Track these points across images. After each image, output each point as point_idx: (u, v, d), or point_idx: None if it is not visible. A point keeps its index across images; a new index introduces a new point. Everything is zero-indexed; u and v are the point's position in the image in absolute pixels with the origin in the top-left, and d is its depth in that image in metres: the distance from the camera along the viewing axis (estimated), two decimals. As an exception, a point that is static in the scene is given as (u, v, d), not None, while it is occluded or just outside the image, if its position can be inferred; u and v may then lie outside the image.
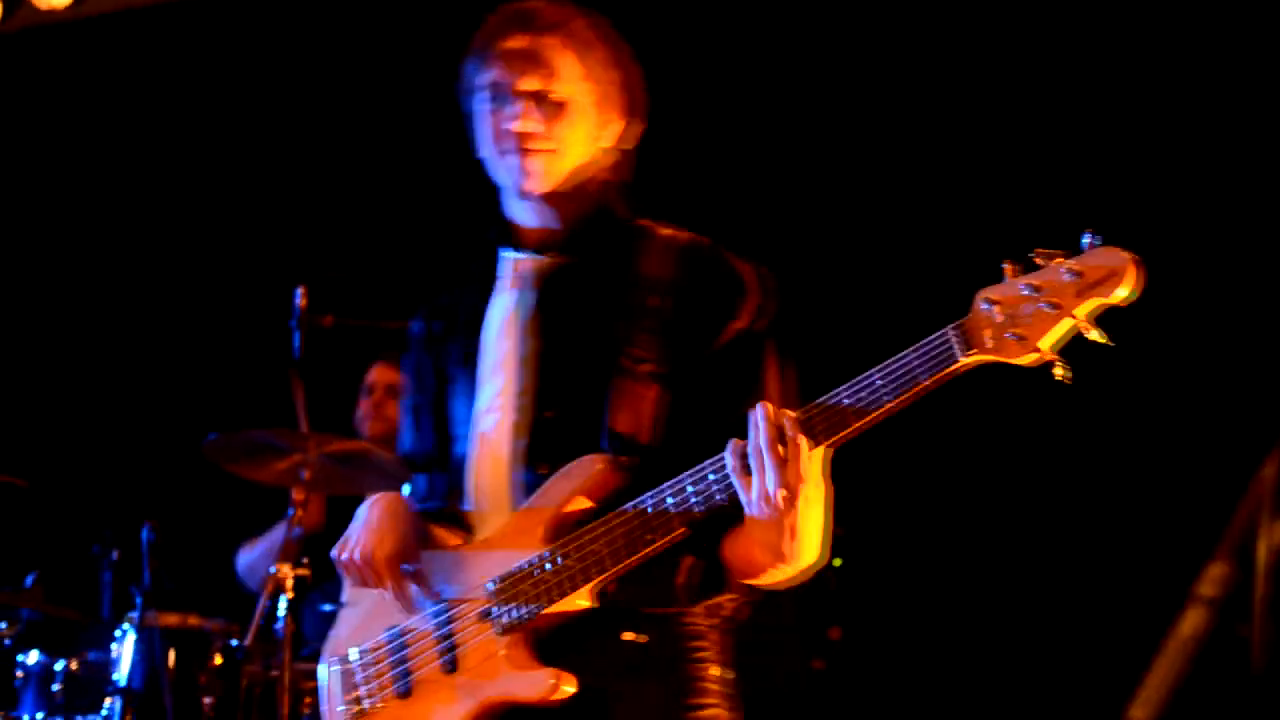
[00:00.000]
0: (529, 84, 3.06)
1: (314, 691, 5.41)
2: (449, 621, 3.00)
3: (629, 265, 3.07)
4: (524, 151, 3.07)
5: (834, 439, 2.68)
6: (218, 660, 5.53)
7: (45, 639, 5.83)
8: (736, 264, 3.06)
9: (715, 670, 3.01)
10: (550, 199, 3.12)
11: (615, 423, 2.95)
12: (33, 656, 5.72)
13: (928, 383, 2.60)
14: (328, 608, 5.64)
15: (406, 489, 3.33)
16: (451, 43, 3.24)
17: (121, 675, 5.49)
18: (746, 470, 2.71)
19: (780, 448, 2.67)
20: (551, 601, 2.88)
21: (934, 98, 6.43)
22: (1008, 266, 2.57)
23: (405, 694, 3.06)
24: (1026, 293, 2.52)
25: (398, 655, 3.08)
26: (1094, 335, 2.51)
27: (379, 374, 6.61)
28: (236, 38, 7.11)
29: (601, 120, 3.12)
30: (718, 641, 3.03)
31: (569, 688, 2.87)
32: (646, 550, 2.83)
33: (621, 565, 2.84)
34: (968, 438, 6.09)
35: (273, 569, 5.86)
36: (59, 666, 5.66)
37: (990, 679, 6.34)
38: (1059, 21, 6.27)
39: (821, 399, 2.68)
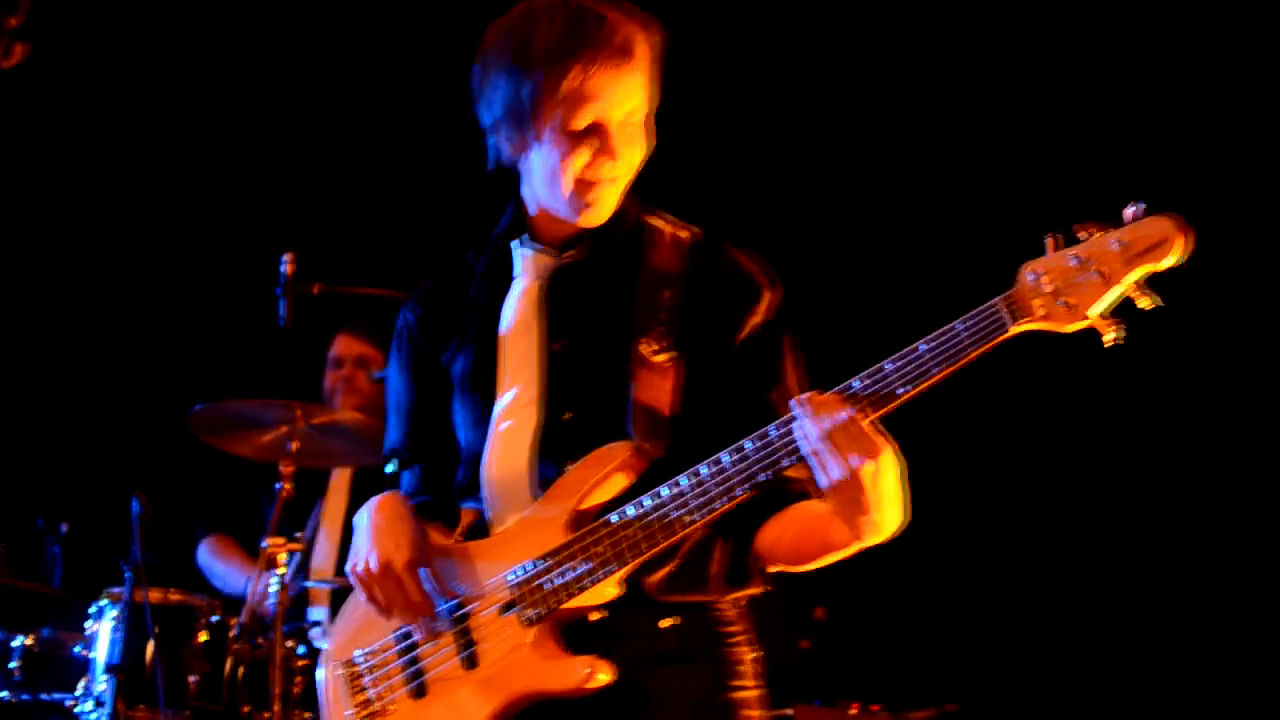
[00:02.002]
0: (623, 116, 2.96)
1: (303, 670, 5.38)
2: (466, 618, 2.92)
3: (639, 260, 3.04)
4: (598, 186, 3.00)
5: (881, 410, 2.65)
6: (203, 637, 5.38)
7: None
8: (742, 259, 3.06)
9: (749, 652, 2.97)
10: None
11: (638, 411, 2.89)
12: None
13: (975, 353, 2.59)
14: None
15: (390, 467, 3.26)
16: (438, 9, 3.12)
17: (100, 653, 5.30)
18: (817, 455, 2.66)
19: (847, 428, 2.61)
20: (582, 589, 2.81)
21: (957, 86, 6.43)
22: (1050, 240, 2.59)
23: (420, 694, 2.97)
24: (1075, 264, 2.55)
25: (409, 655, 3.00)
26: (1144, 302, 2.54)
27: (345, 345, 6.49)
28: (222, 1, 6.98)
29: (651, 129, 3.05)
30: (747, 623, 2.99)
31: (604, 676, 2.80)
32: (683, 531, 2.77)
33: (657, 548, 2.78)
34: (949, 422, 6.10)
35: (234, 588, 5.81)
36: (16, 643, 5.47)
37: (974, 656, 6.39)
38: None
39: (869, 371, 2.66)
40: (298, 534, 5.44)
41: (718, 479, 2.73)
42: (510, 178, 3.09)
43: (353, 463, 6.21)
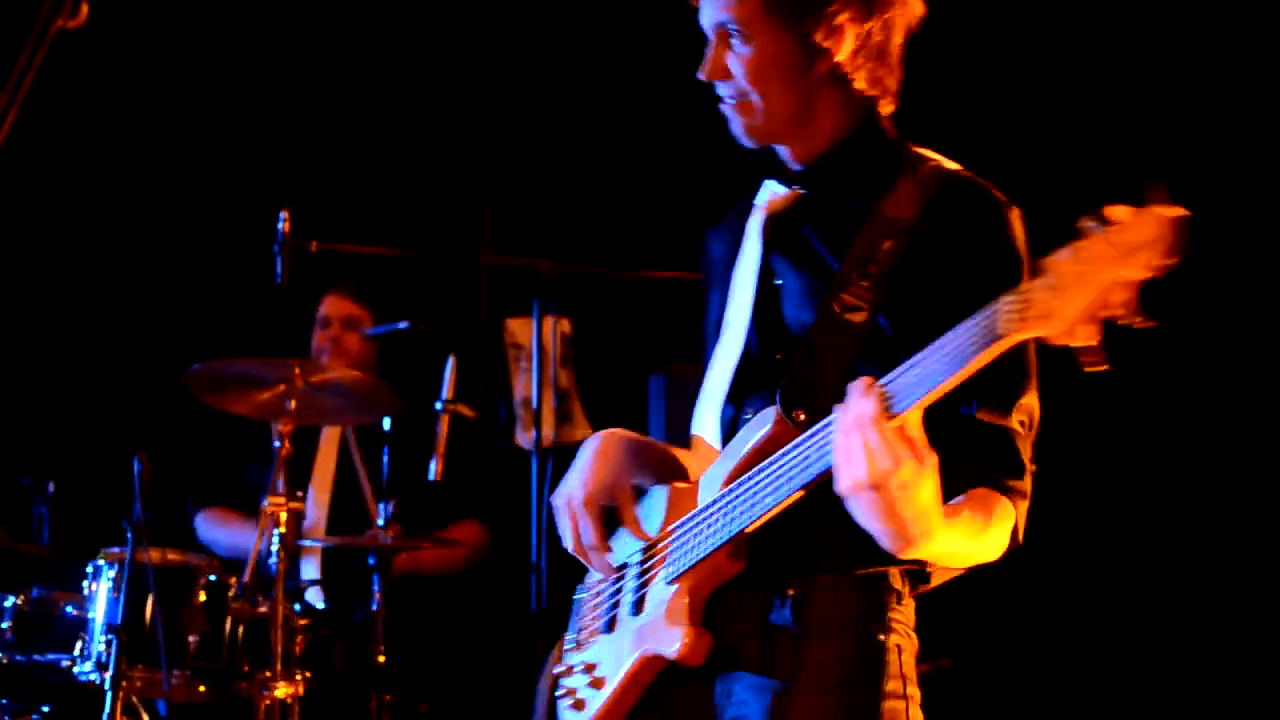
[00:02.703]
0: (707, 17, 2.84)
1: (303, 630, 5.38)
2: (648, 560, 2.86)
3: (872, 202, 2.76)
4: (722, 104, 2.86)
5: (896, 415, 2.36)
6: (202, 597, 5.35)
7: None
8: (991, 209, 2.74)
9: (895, 651, 2.69)
10: (776, 143, 2.89)
11: (801, 375, 2.70)
12: None
13: (976, 360, 2.26)
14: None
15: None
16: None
17: (98, 613, 5.26)
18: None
19: (871, 430, 2.36)
20: (702, 556, 2.69)
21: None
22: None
23: (608, 629, 2.92)
24: (1071, 264, 2.14)
25: (613, 588, 2.94)
26: (1134, 321, 2.14)
27: (334, 305, 6.47)
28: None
29: (798, 39, 2.77)
30: (888, 609, 2.71)
31: (695, 655, 2.69)
32: (779, 505, 2.57)
33: (759, 519, 2.59)
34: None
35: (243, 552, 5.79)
36: (8, 604, 5.40)
37: (967, 612, 6.39)
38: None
39: (889, 374, 2.38)
40: (300, 493, 5.41)
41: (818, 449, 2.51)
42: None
43: (346, 421, 6.20)
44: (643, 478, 2.93)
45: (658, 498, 2.90)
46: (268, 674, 5.20)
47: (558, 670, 3.01)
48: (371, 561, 5.59)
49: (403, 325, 6.14)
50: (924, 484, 2.37)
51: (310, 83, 7.10)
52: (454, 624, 6.38)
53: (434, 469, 5.75)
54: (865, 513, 2.40)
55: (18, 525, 5.99)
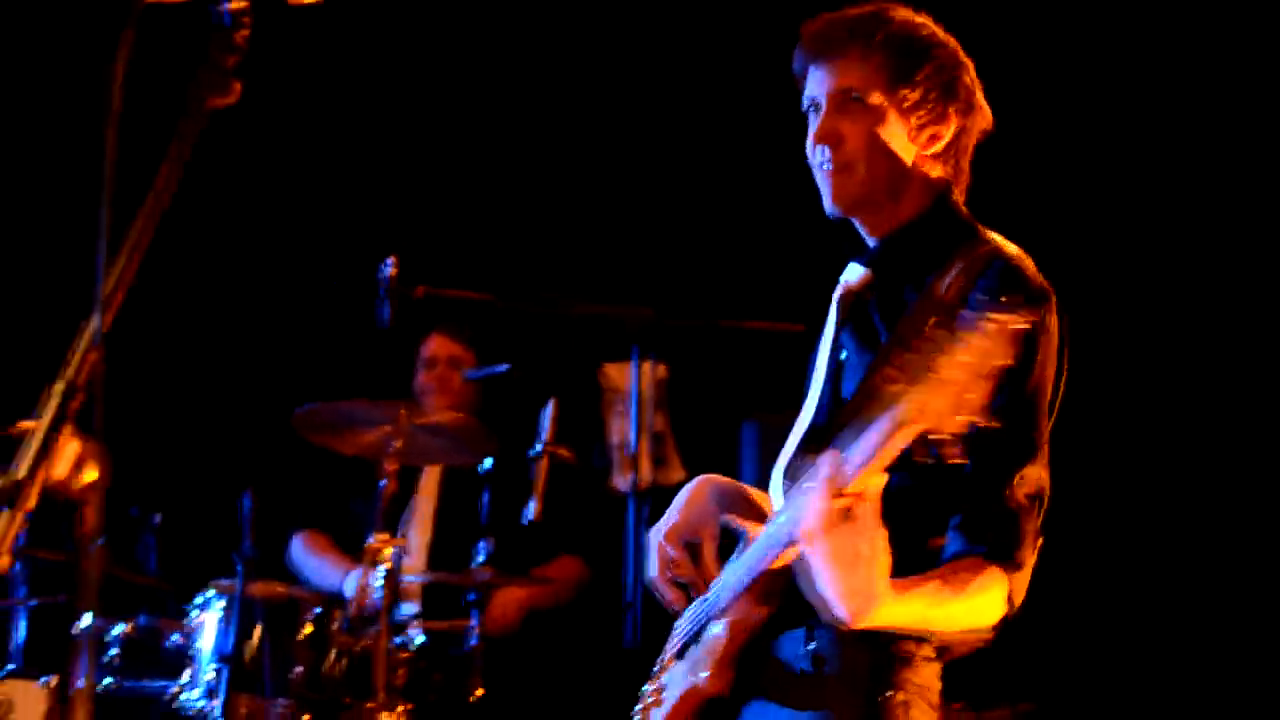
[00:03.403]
0: (826, 83, 3.00)
1: (406, 664, 5.54)
2: (713, 596, 3.04)
3: (927, 280, 2.89)
4: (815, 171, 3.03)
5: (850, 482, 2.50)
6: (307, 630, 5.52)
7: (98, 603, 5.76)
8: (1030, 289, 2.84)
9: (900, 708, 2.80)
10: (859, 215, 3.06)
11: (841, 440, 2.72)
12: (85, 620, 5.63)
13: (895, 442, 2.44)
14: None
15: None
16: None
17: (206, 643, 5.44)
18: None
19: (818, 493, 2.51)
20: (732, 596, 2.91)
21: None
22: None
23: (680, 655, 3.12)
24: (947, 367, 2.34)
25: (693, 617, 3.12)
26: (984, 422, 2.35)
27: (439, 346, 6.67)
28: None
29: (910, 124, 2.97)
30: (898, 670, 2.81)
31: (717, 688, 2.92)
32: (780, 554, 2.75)
33: (769, 564, 2.80)
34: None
35: (326, 584, 6.03)
36: (116, 631, 5.59)
37: (1049, 656, 6.43)
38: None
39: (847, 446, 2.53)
40: (402, 531, 5.56)
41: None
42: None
43: (449, 461, 6.37)
44: (730, 519, 3.11)
45: (745, 540, 3.06)
46: (370, 704, 5.36)
47: (646, 688, 3.22)
48: (471, 598, 5.76)
49: (503, 368, 6.28)
50: (860, 548, 2.48)
51: (415, 138, 7.30)
52: (550, 659, 6.52)
53: (532, 510, 5.87)
54: (806, 579, 2.55)
55: (124, 554, 6.14)
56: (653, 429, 6.29)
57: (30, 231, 6.95)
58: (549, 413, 5.97)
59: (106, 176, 2.15)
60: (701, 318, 6.03)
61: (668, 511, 3.18)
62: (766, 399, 6.15)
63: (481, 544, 5.85)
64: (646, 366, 5.98)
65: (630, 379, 5.98)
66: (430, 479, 6.57)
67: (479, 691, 5.68)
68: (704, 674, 2.94)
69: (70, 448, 2.14)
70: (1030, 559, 2.77)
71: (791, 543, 2.64)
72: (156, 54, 2.27)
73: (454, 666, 5.84)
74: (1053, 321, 2.84)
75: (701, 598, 3.09)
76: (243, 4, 2.28)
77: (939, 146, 2.98)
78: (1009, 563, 2.74)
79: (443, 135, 7.30)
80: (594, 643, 6.48)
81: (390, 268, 5.66)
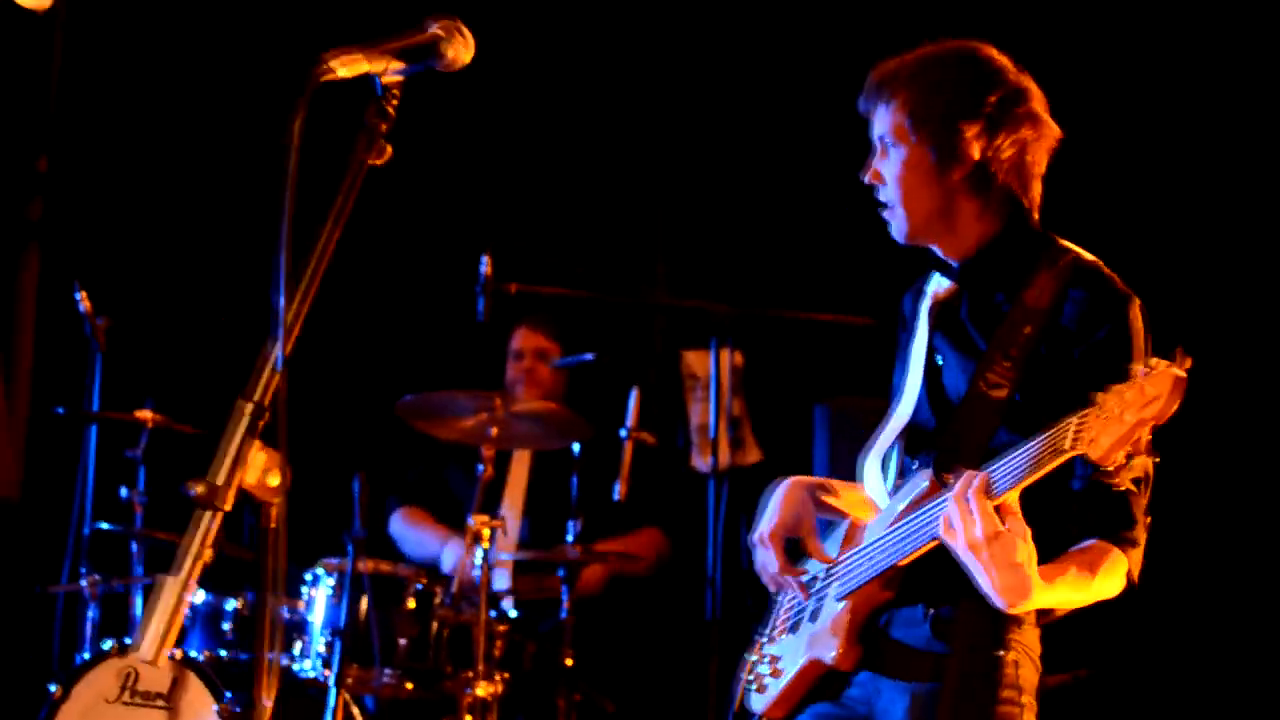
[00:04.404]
0: (873, 131, 3.33)
1: (502, 635, 5.89)
2: (827, 578, 3.37)
3: (1015, 293, 3.20)
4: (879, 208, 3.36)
5: (997, 496, 2.90)
6: (410, 604, 5.86)
7: (209, 579, 6.09)
8: (1114, 301, 3.15)
9: (1012, 665, 3.14)
10: (924, 243, 3.35)
11: (951, 443, 3.20)
12: (199, 596, 5.94)
13: (1049, 466, 2.84)
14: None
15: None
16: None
17: (317, 617, 5.77)
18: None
19: (973, 503, 2.90)
20: (862, 581, 3.23)
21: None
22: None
23: (793, 629, 3.45)
24: (1116, 403, 2.73)
25: (795, 599, 3.47)
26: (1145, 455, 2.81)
27: (526, 339, 6.94)
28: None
29: (951, 159, 3.23)
30: (1009, 632, 3.15)
31: (847, 663, 3.25)
32: (917, 551, 3.10)
33: (904, 559, 3.13)
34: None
35: (425, 555, 6.37)
36: (230, 606, 5.90)
37: (1106, 623, 6.58)
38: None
39: (991, 463, 2.94)
40: (501, 513, 5.90)
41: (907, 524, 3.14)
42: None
43: (540, 445, 6.72)
44: (823, 513, 3.45)
45: (840, 529, 3.44)
46: (470, 674, 5.72)
47: (751, 657, 3.55)
48: (561, 573, 6.11)
49: (588, 357, 6.64)
50: (1017, 552, 2.87)
51: (507, 142, 7.56)
52: (636, 631, 6.86)
53: (618, 490, 6.21)
54: (972, 574, 2.93)
55: (235, 534, 6.48)
56: (730, 413, 6.60)
57: (222, 268, 7.32)
58: (633, 399, 6.30)
59: (285, 229, 2.50)
60: (775, 309, 6.33)
61: (764, 514, 3.42)
62: (836, 384, 6.49)
63: (570, 523, 6.25)
64: (724, 354, 6.26)
65: (709, 366, 6.29)
66: (521, 462, 6.91)
67: (569, 661, 6.02)
68: (833, 651, 3.26)
69: (259, 458, 2.53)
70: (1143, 537, 3.13)
71: (931, 541, 3.03)
72: (324, 121, 2.61)
73: (546, 638, 6.22)
74: (1138, 318, 3.16)
75: (809, 576, 3.41)
76: (397, 79, 2.63)
77: (972, 167, 3.23)
78: (1127, 543, 3.09)
79: (535, 141, 7.56)
80: (676, 615, 6.82)
81: (486, 265, 5.98)
